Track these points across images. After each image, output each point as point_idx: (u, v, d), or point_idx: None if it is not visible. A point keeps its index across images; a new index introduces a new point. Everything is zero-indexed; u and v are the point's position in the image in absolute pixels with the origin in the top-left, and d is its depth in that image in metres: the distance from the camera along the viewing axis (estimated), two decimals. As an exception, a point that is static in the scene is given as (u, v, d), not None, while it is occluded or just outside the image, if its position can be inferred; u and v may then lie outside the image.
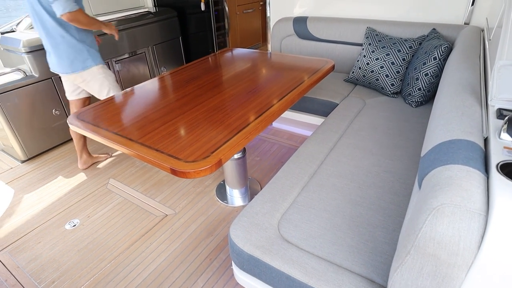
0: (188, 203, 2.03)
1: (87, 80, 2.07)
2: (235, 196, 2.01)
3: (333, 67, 1.97)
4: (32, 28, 2.93)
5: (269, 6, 2.99)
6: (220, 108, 1.47)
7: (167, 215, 1.96)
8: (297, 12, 2.84)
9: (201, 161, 1.08)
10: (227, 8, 4.07)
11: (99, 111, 1.54)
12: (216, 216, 1.92)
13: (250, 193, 2.06)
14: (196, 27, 3.69)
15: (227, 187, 2.02)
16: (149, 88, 1.82)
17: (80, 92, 2.24)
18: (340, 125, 1.83)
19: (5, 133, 2.50)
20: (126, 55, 3.21)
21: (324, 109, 2.27)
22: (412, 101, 2.01)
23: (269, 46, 3.07)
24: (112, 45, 3.02)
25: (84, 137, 2.43)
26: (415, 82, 1.97)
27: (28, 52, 2.46)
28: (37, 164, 2.61)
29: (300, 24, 2.69)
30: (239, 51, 2.45)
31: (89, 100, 2.34)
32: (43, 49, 2.52)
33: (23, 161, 2.65)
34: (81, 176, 2.42)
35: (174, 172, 1.07)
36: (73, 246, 1.82)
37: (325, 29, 2.58)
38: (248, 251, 1.09)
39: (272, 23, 3.01)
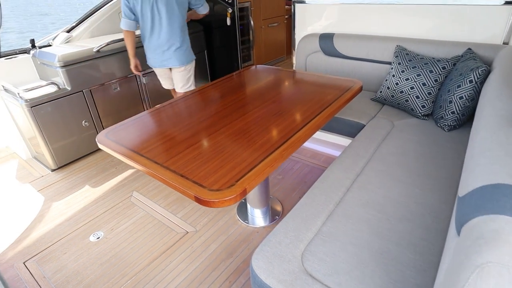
0: (209, 221, 2.02)
1: (189, 70, 2.66)
2: (256, 216, 1.99)
3: (361, 88, 1.92)
4: (67, 42, 3.08)
5: (294, 21, 2.99)
6: (246, 131, 1.46)
7: (188, 232, 1.97)
8: (323, 27, 2.82)
9: (226, 190, 1.07)
10: (252, 23, 4.11)
11: (127, 129, 1.57)
12: (237, 236, 1.90)
13: (272, 213, 2.03)
14: (221, 41, 3.74)
15: (248, 206, 2.00)
16: (176, 107, 1.84)
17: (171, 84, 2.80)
18: (367, 149, 1.77)
19: (37, 141, 2.61)
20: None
21: (349, 130, 2.22)
22: (445, 124, 1.92)
23: (294, 58, 3.05)
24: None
25: None
26: (448, 105, 1.89)
27: (62, 66, 2.57)
28: (66, 173, 2.70)
29: (326, 41, 2.66)
30: (264, 68, 2.45)
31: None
32: (76, 63, 2.64)
33: (53, 170, 2.75)
34: (106, 187, 2.48)
35: (198, 200, 1.06)
36: (96, 259, 1.85)
37: (352, 47, 2.53)
38: (271, 284, 1.06)
39: (297, 38, 3.00)
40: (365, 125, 2.11)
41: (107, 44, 2.79)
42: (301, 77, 2.20)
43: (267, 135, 1.40)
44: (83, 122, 2.81)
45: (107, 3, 3.35)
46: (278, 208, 2.10)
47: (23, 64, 2.84)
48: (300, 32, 3.00)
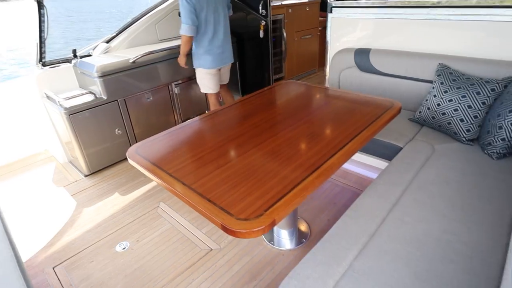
0: (234, 239, 1.98)
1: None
2: (283, 238, 1.92)
3: (399, 110, 1.81)
4: (106, 52, 3.19)
5: (328, 34, 2.91)
6: (276, 154, 1.41)
7: (212, 249, 1.93)
8: (358, 41, 2.72)
9: (254, 221, 1.02)
10: (285, 34, 4.08)
11: (157, 144, 1.58)
12: (261, 258, 1.84)
13: (298, 235, 1.96)
14: (253, 53, 3.73)
15: (275, 227, 1.93)
16: (206, 123, 1.83)
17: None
18: (404, 175, 1.66)
19: (73, 147, 2.71)
20: (185, 79, 3.34)
21: (384, 151, 2.10)
22: (493, 152, 1.76)
23: (327, 72, 2.98)
24: (173, 69, 3.17)
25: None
26: (498, 131, 1.73)
27: (99, 77, 2.66)
28: (98, 180, 2.78)
29: (362, 56, 2.56)
30: (296, 85, 2.39)
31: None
32: (113, 74, 2.73)
33: (86, 175, 2.84)
34: (135, 195, 2.51)
35: (225, 229, 1.02)
36: (121, 270, 1.86)
37: (390, 63, 2.42)
38: (297, 324, 0.99)
39: (331, 52, 2.93)
40: (402, 148, 1.99)
41: (142, 56, 2.87)
42: (335, 95, 2.13)
43: (299, 159, 1.34)
44: (116, 130, 2.89)
45: (144, 15, 3.46)
46: (305, 230, 2.02)
47: (65, 73, 2.98)
48: (334, 46, 2.92)
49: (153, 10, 3.52)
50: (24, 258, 2.00)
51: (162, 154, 1.49)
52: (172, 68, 3.16)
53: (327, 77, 3.01)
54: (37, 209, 2.44)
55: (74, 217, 2.32)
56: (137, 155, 1.49)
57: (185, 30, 2.58)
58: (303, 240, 1.94)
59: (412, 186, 1.57)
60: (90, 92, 2.70)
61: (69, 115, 2.55)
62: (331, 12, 2.85)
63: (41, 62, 2.90)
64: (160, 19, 3.54)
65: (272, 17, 3.43)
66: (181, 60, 2.90)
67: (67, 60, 3.05)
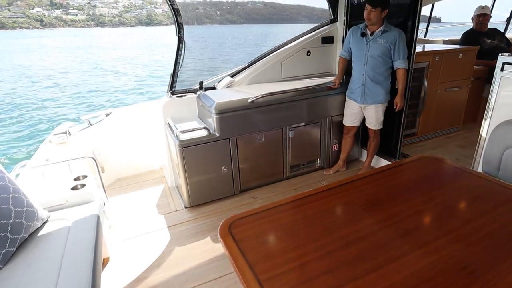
0: None
1: (380, 110, 2.93)
2: None
3: None
4: (229, 86, 3.22)
5: (493, 99, 2.21)
6: (423, 284, 0.94)
7: None
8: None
9: None
10: (426, 84, 3.44)
11: (255, 226, 1.30)
12: None
13: None
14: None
15: None
16: (316, 204, 1.46)
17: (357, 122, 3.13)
18: None
19: (181, 175, 2.73)
20: (302, 123, 3.09)
21: None
22: None
23: (483, 144, 2.26)
24: (290, 112, 2.96)
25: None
26: None
27: (217, 114, 2.63)
28: (196, 215, 2.73)
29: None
30: (443, 165, 1.81)
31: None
32: (230, 112, 2.68)
33: (186, 207, 2.83)
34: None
35: None
36: None
37: None
38: None
39: (493, 121, 2.21)
40: None
41: (262, 96, 2.74)
42: (506, 193, 1.48)
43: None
44: (222, 167, 2.82)
45: (272, 52, 3.40)
46: None
47: (189, 102, 3.11)
48: (498, 113, 2.20)
49: (282, 47, 3.44)
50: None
51: (257, 244, 1.20)
52: (290, 111, 2.95)
53: (481, 152, 2.28)
54: (134, 237, 2.49)
55: (164, 256, 2.26)
56: (229, 234, 1.24)
57: (406, 63, 2.74)
58: None
59: None
60: (205, 128, 2.70)
61: (182, 148, 2.59)
62: (502, 70, 2.17)
63: (170, 91, 3.10)
64: (286, 57, 3.43)
65: (414, 65, 2.89)
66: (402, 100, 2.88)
67: (193, 91, 3.19)
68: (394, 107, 2.86)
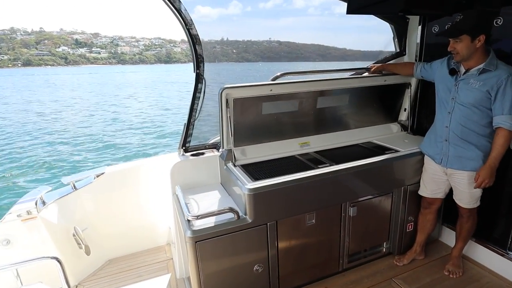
0: None
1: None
2: None
3: None
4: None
5: None
6: None
7: None
8: None
9: None
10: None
11: None
12: None
13: None
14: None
15: None
16: None
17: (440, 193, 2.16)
18: None
19: (193, 275, 1.77)
20: (369, 196, 2.14)
21: None
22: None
23: None
24: (354, 183, 2.02)
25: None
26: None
27: (251, 191, 1.72)
28: None
29: None
30: None
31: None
32: (270, 187, 1.77)
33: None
34: None
35: None
36: None
37: None
38: None
39: None
40: None
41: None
42: None
43: None
44: (255, 266, 1.86)
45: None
46: None
47: (208, 162, 2.23)
48: None
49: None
50: None
51: None
52: (353, 182, 2.02)
53: None
54: None
55: None
56: None
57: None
58: None
59: None
60: (231, 210, 1.76)
61: (196, 242, 1.66)
62: None
63: (183, 148, 2.24)
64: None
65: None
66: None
67: (215, 146, 2.32)
68: (475, 181, 1.88)
